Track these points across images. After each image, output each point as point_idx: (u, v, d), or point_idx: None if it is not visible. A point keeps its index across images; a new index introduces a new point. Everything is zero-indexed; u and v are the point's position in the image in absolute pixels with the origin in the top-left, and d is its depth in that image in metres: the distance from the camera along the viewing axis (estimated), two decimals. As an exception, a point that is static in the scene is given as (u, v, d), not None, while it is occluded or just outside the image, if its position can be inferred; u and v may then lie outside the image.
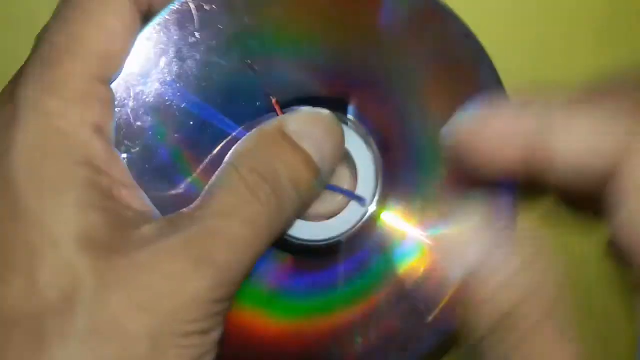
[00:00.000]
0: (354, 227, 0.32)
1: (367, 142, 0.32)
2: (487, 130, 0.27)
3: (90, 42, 0.28)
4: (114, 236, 0.27)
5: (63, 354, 0.25)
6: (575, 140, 0.25)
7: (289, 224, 0.30)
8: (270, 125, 0.30)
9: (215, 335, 0.27)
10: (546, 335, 0.25)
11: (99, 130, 0.28)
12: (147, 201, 0.29)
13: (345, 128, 0.31)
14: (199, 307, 0.26)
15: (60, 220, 0.26)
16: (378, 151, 0.32)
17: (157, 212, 0.29)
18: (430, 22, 0.32)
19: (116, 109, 0.29)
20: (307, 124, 0.30)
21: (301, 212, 0.30)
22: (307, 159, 0.29)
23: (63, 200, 0.27)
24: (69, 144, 0.27)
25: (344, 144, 0.31)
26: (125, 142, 0.30)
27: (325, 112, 0.31)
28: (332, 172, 0.31)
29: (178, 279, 0.26)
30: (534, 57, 0.40)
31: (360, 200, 0.32)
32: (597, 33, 0.39)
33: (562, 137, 0.25)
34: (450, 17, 0.32)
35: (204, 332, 0.27)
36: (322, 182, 0.30)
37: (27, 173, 0.27)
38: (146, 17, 0.30)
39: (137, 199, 0.29)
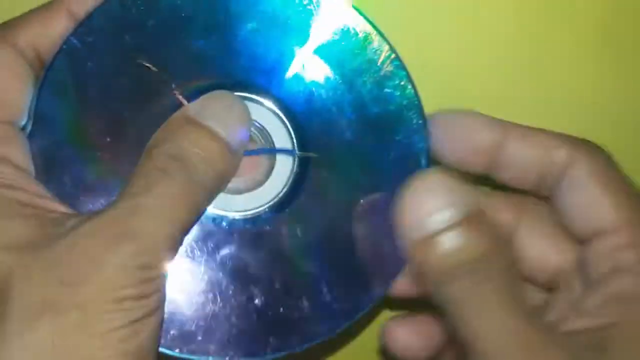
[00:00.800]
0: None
1: (274, 112, 0.35)
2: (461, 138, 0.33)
3: None
4: (39, 234, 0.29)
5: (2, 332, 0.27)
6: (527, 148, 0.33)
7: (209, 194, 0.32)
8: (175, 114, 0.32)
9: (155, 298, 0.29)
10: (483, 294, 0.29)
11: (4, 160, 0.31)
12: (71, 210, 0.32)
13: (251, 103, 0.34)
14: (125, 274, 0.28)
15: None
16: (287, 117, 0.34)
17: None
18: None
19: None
20: (207, 104, 0.32)
21: (222, 182, 0.32)
22: (211, 133, 0.31)
23: None
24: None
25: (248, 114, 0.33)
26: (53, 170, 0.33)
27: (222, 91, 0.33)
28: (243, 142, 0.33)
29: (100, 253, 0.28)
30: (534, 58, 0.41)
31: (288, 151, 0.35)
32: (598, 34, 0.40)
33: (516, 145, 0.33)
34: None
35: (138, 297, 0.28)
36: (235, 152, 0.32)
37: None
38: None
39: (62, 206, 0.31)
